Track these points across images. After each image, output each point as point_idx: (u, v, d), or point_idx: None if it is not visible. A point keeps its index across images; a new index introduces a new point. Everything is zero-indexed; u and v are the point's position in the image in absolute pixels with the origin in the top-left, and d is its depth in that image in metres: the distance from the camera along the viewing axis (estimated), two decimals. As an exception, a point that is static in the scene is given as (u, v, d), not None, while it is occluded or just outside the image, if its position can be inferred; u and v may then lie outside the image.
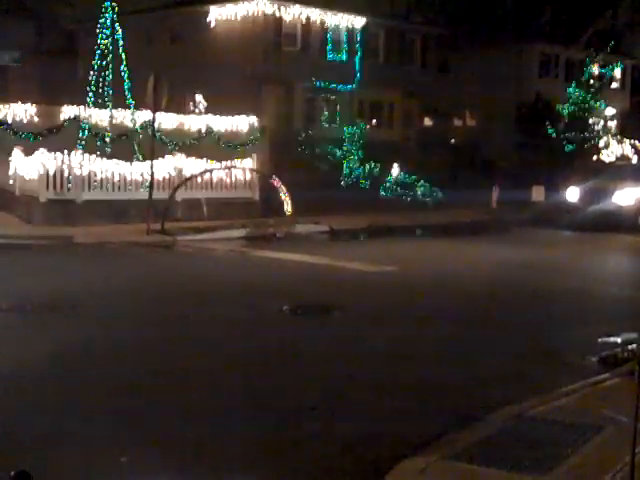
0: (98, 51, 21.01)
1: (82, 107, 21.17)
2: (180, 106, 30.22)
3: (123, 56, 20.86)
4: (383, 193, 28.48)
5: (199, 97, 34.86)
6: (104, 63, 20.96)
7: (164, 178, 19.99)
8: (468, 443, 5.88)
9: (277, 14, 35.11)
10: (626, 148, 40.83)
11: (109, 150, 20.68)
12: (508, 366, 8.45)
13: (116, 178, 19.38)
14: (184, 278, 13.35)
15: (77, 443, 6.02)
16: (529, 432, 6.09)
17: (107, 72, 21.03)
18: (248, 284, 12.89)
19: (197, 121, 23.73)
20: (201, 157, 21.05)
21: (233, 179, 21.51)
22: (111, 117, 21.48)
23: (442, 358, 8.75)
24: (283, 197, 20.74)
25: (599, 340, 9.41)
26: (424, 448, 5.86)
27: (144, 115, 21.02)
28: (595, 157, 37.98)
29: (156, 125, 19.17)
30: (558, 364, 8.59)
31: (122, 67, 20.97)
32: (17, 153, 19.73)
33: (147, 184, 18.56)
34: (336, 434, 6.34)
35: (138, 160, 20.27)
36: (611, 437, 5.96)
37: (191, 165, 20.64)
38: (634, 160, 38.83)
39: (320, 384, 7.63)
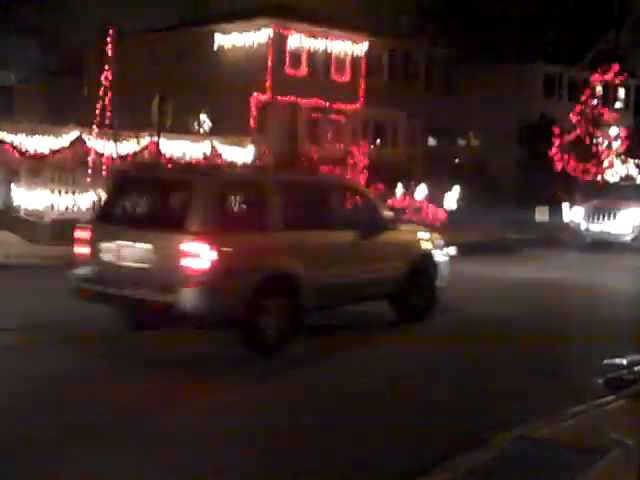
0: (103, 71, 21.13)
1: (87, 127, 21.25)
2: (185, 126, 30.32)
3: (128, 76, 20.98)
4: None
5: (204, 117, 34.99)
6: (109, 83, 21.08)
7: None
8: (471, 466, 5.82)
9: (282, 34, 35.31)
10: (630, 168, 40.82)
11: (114, 169, 20.72)
12: (512, 387, 8.42)
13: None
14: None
15: (77, 468, 5.97)
16: (533, 454, 6.04)
17: (112, 92, 21.14)
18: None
19: (202, 141, 23.82)
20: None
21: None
22: (116, 137, 21.55)
23: (444, 378, 8.72)
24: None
25: (604, 362, 9.35)
26: (426, 472, 5.81)
27: (149, 134, 21.10)
28: (599, 177, 37.96)
29: (161, 144, 19.22)
30: (563, 385, 8.55)
31: (127, 87, 21.07)
32: (23, 173, 19.79)
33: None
34: (335, 459, 6.27)
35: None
36: (617, 460, 5.91)
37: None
38: (638, 180, 38.80)
39: (321, 405, 7.57)
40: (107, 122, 21.28)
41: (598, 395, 7.76)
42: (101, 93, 21.06)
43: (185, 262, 8.58)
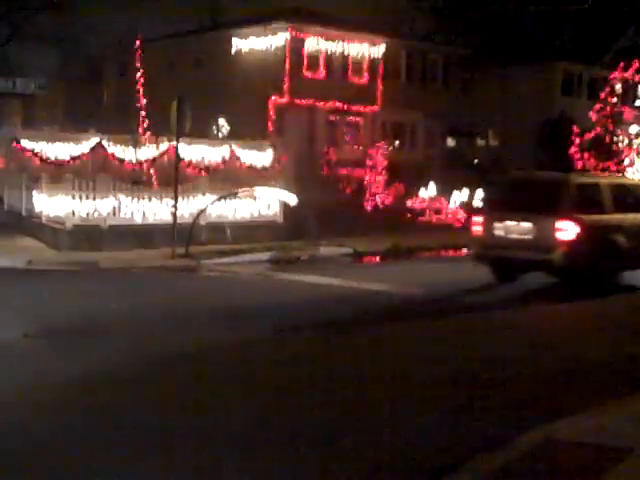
0: (121, 78, 21.25)
1: (107, 133, 21.40)
2: (203, 130, 30.43)
3: (147, 82, 21.06)
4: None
5: (222, 121, 35.12)
6: (128, 89, 21.19)
7: (188, 202, 20.07)
8: (492, 468, 5.76)
9: (299, 38, 35.35)
10: (652, 166, 40.43)
11: (134, 175, 20.85)
12: (535, 387, 8.35)
13: (141, 203, 19.50)
14: (207, 303, 13.35)
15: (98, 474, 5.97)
16: (556, 455, 5.99)
17: (131, 98, 21.26)
18: (270, 307, 12.87)
19: (220, 145, 23.90)
20: (225, 181, 21.13)
21: (257, 202, 21.56)
22: (135, 142, 21.69)
23: (463, 379, 8.65)
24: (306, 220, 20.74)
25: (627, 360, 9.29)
26: (447, 474, 5.76)
27: (168, 139, 21.20)
28: (620, 175, 37.65)
29: (180, 149, 19.29)
30: (585, 384, 8.49)
31: (146, 92, 21.17)
32: (44, 179, 19.93)
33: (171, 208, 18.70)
34: (353, 462, 6.18)
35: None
36: (641, 460, 5.86)
37: (215, 189, 20.72)
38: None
39: (334, 406, 7.50)
40: (127, 127, 21.39)
41: (622, 393, 7.71)
42: (120, 99, 21.14)
43: (559, 234, 13.86)
